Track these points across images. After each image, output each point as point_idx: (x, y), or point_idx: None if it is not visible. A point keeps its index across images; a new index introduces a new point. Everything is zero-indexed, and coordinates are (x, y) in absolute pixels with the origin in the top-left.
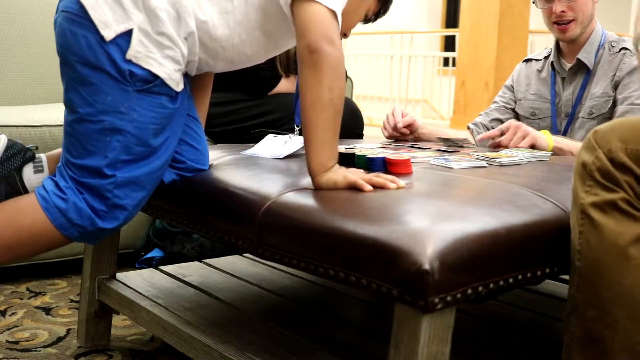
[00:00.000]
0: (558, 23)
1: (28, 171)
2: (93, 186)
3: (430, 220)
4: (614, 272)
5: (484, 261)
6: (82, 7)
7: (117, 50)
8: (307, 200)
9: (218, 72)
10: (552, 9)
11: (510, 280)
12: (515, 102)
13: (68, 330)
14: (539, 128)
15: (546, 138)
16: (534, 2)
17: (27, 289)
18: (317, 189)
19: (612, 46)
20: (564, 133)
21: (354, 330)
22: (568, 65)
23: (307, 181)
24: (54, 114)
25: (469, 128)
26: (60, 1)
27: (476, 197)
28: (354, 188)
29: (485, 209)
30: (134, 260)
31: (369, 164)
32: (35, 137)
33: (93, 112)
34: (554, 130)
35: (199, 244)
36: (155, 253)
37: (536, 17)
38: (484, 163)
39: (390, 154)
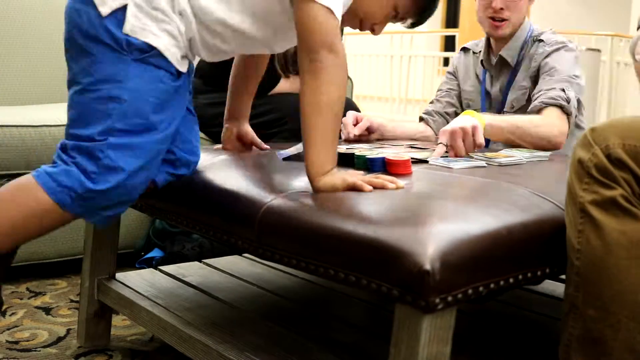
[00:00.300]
0: (493, 19)
1: None
2: (85, 147)
3: (431, 220)
4: (616, 271)
5: (485, 261)
6: None
7: (114, 23)
8: (307, 200)
9: (237, 54)
10: (491, 2)
11: (511, 280)
12: (457, 92)
13: (68, 330)
14: None
15: (471, 116)
16: None
17: (27, 289)
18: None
19: (533, 41)
20: None
21: (354, 330)
22: (495, 60)
23: (307, 181)
24: (54, 114)
25: (422, 119)
26: None
27: (476, 197)
28: (354, 189)
29: (486, 209)
30: (134, 260)
31: (369, 165)
32: (35, 137)
33: (93, 82)
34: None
35: (199, 244)
36: (155, 253)
37: (536, 17)
38: (483, 163)
39: (389, 154)
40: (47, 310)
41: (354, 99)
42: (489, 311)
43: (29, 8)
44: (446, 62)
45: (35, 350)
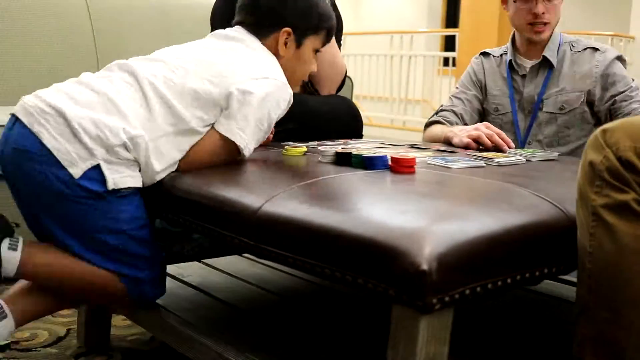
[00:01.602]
0: (534, 24)
1: (4, 246)
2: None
3: (429, 220)
4: (629, 275)
5: (482, 262)
6: (44, 147)
7: (88, 182)
8: (304, 199)
9: None
10: (530, 9)
11: (509, 280)
12: (481, 100)
13: (68, 330)
14: (501, 123)
15: None
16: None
17: None
18: None
19: (573, 46)
20: (529, 128)
21: (354, 330)
22: (528, 63)
23: (305, 180)
24: None
25: (438, 122)
26: (6, 136)
27: (474, 197)
28: None
29: (484, 209)
30: None
31: (366, 164)
32: None
33: (90, 230)
34: (516, 127)
35: (199, 244)
36: None
37: None
38: (482, 163)
39: (389, 153)
40: None
41: (354, 99)
42: (488, 311)
43: (30, 8)
44: (446, 62)
45: (35, 350)
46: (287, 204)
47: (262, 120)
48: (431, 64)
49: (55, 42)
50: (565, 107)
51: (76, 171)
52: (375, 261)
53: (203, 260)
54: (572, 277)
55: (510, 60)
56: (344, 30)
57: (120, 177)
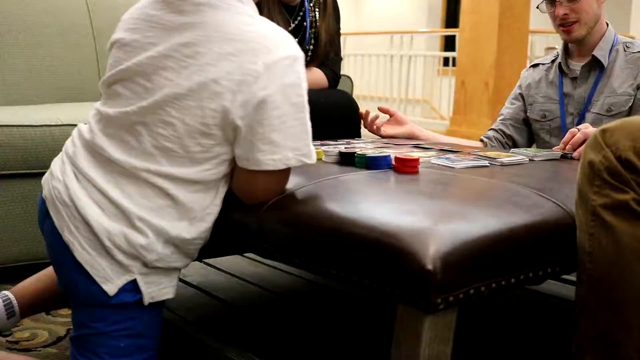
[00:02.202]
0: (563, 25)
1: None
2: None
3: (433, 220)
4: (629, 274)
5: (486, 261)
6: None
7: (124, 295)
8: (308, 200)
9: None
10: (554, 12)
11: (512, 280)
12: (526, 111)
13: (68, 330)
14: (549, 129)
15: None
16: (537, 7)
17: None
18: None
19: (627, 47)
20: None
21: (355, 330)
22: (578, 65)
23: (309, 180)
24: (54, 114)
25: (482, 141)
26: (42, 223)
27: (478, 197)
28: None
29: (488, 209)
30: None
31: (370, 164)
32: (36, 137)
33: (109, 329)
34: (564, 130)
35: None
36: None
37: (536, 17)
38: (486, 162)
39: (393, 153)
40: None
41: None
42: (488, 311)
43: (30, 9)
44: (446, 62)
45: (35, 350)
46: (291, 205)
47: (300, 111)
48: (431, 64)
49: (55, 42)
50: (613, 110)
51: (111, 288)
52: (380, 262)
53: (203, 260)
54: (573, 277)
55: (560, 64)
56: (344, 30)
57: (158, 290)
